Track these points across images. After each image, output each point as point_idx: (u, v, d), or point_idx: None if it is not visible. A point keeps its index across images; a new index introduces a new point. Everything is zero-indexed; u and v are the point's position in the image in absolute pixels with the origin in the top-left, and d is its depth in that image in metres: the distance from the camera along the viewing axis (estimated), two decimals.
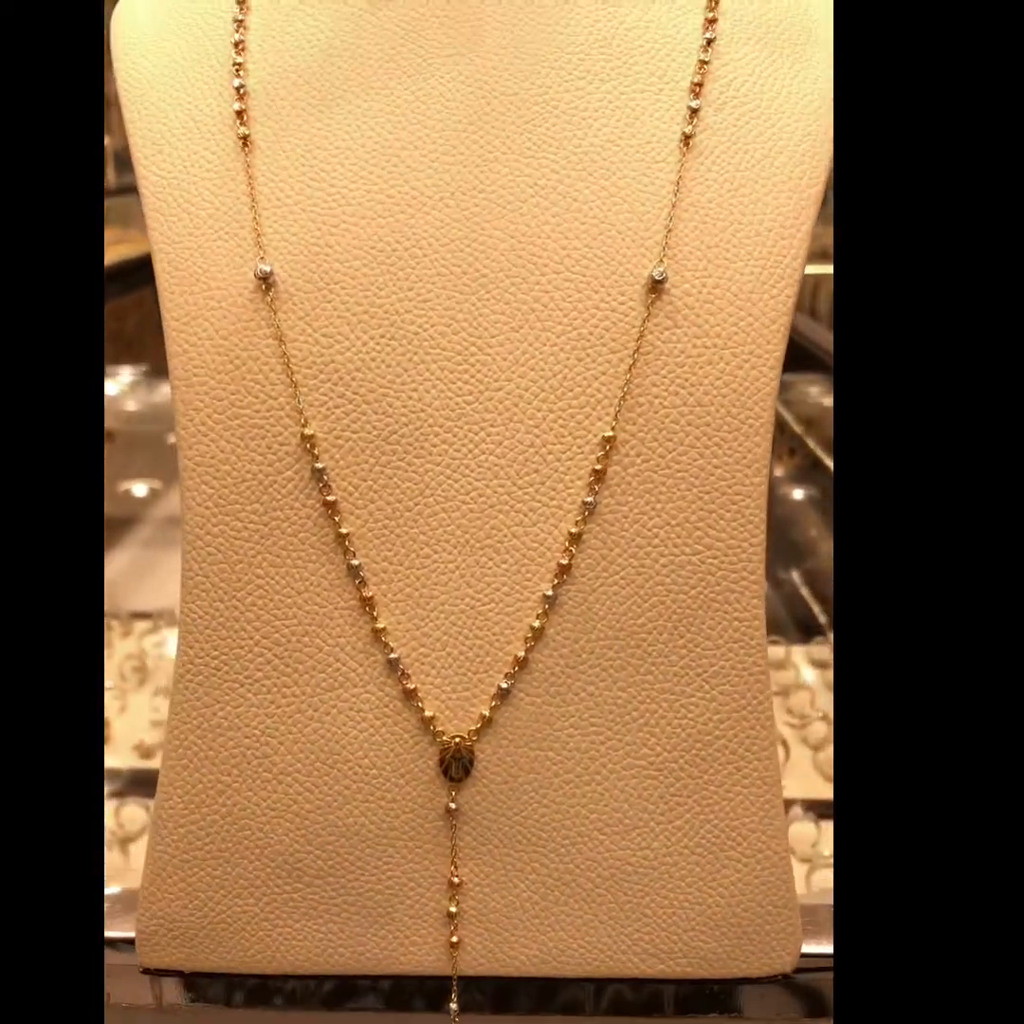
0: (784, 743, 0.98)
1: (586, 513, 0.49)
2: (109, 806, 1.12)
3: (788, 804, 0.82)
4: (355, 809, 0.50)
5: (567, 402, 0.49)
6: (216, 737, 0.50)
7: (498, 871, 0.50)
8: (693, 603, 0.49)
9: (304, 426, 0.49)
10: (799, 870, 0.79)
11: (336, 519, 0.49)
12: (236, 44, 0.53)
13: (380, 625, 0.49)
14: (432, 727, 0.49)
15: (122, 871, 1.08)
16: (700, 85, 0.51)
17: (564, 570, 0.49)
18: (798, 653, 1.43)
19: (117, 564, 1.62)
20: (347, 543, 0.49)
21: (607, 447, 0.49)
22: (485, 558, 0.49)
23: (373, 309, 0.50)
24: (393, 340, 0.49)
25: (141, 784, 1.19)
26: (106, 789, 1.17)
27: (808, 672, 1.43)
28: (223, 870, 0.51)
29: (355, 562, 0.49)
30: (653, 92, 0.51)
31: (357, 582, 0.49)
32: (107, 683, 1.31)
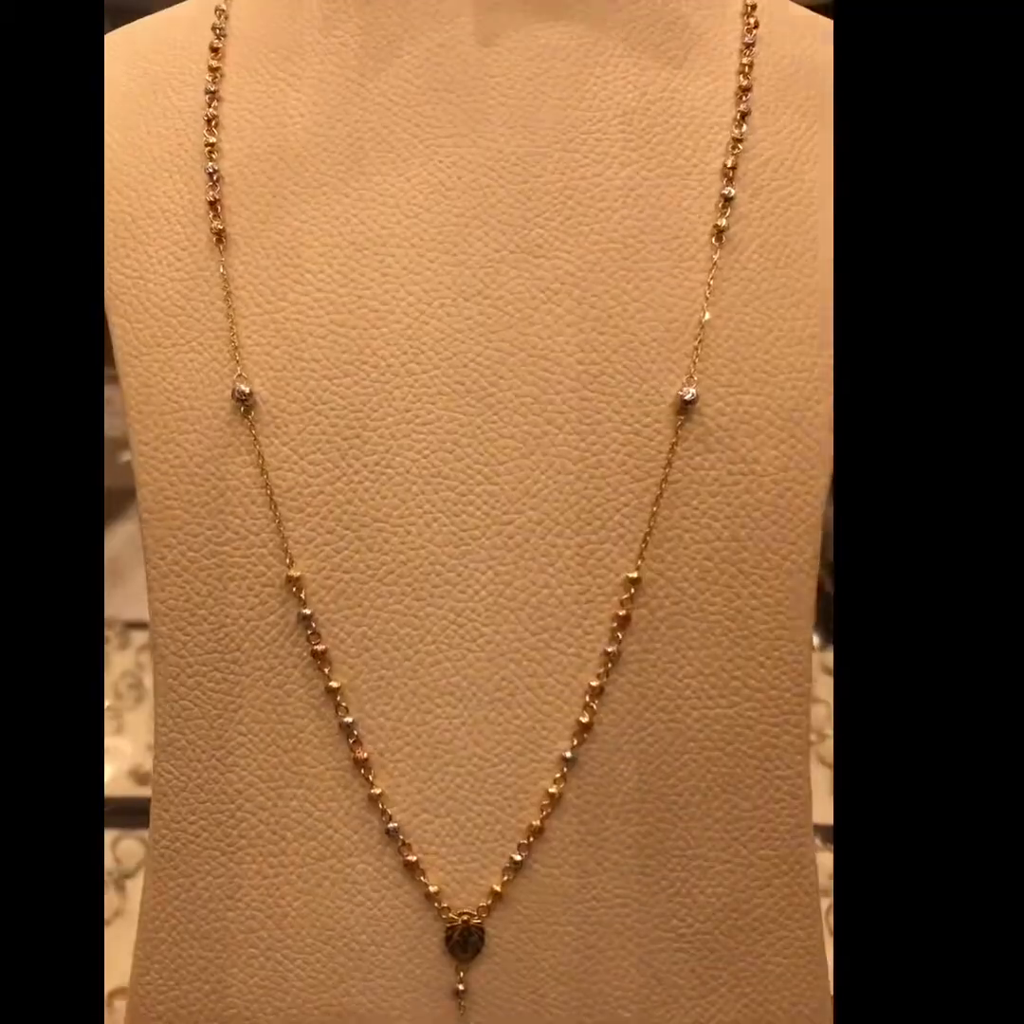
0: None
1: (608, 664, 0.43)
2: (105, 839, 1.08)
3: None
4: (352, 987, 0.45)
5: (586, 538, 0.44)
6: (197, 909, 0.45)
7: None
8: (729, 761, 0.44)
9: (289, 566, 0.44)
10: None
11: (326, 671, 0.44)
12: (209, 120, 0.47)
13: (376, 790, 0.44)
14: (437, 903, 0.44)
15: (120, 911, 1.04)
16: (734, 168, 0.45)
17: (584, 728, 0.44)
18: (813, 660, 1.38)
19: (117, 538, 1.58)
20: (338, 698, 0.44)
21: (631, 589, 0.43)
22: (494, 714, 0.44)
23: (365, 433, 0.44)
24: (389, 468, 0.44)
25: (139, 813, 1.14)
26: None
27: (824, 682, 1.37)
28: None
29: (348, 719, 0.44)
30: (681, 177, 0.45)
31: (350, 741, 0.44)
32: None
